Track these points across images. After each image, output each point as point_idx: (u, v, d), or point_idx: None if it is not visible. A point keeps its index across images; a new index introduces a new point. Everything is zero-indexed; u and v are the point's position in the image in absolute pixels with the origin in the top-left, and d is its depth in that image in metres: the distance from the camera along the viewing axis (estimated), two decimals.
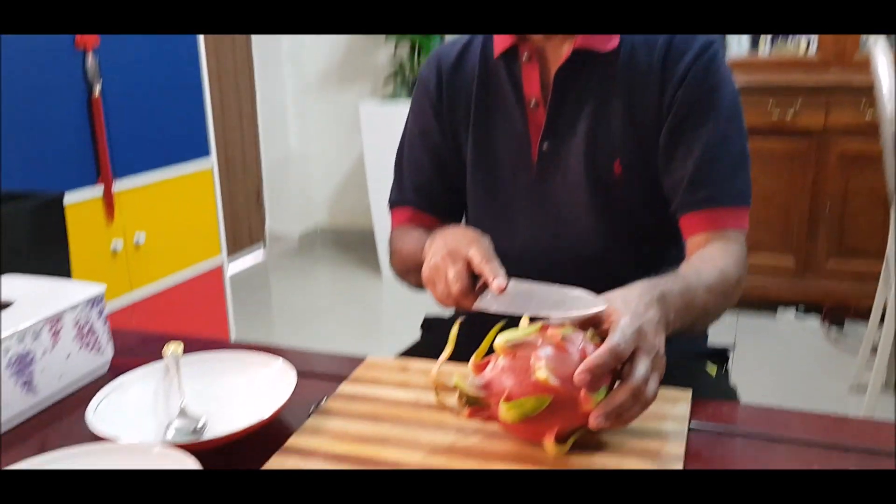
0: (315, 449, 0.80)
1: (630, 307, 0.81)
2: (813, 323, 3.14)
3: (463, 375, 0.79)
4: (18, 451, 0.88)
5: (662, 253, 1.18)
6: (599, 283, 1.13)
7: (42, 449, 0.89)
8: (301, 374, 0.93)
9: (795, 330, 3.18)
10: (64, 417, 0.95)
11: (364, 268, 4.15)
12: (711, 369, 1.18)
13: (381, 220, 3.84)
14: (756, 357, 2.86)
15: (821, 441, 0.82)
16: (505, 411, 0.76)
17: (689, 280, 0.95)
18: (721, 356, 1.23)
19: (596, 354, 0.75)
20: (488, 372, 0.80)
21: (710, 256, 1.03)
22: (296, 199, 4.52)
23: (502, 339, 0.80)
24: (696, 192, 1.07)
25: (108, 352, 1.03)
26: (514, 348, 0.79)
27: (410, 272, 1.17)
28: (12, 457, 0.87)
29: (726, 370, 1.23)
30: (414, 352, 1.29)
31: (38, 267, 1.91)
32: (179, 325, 2.60)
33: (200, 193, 2.64)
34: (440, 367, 0.80)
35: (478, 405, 0.79)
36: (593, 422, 0.75)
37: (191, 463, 0.71)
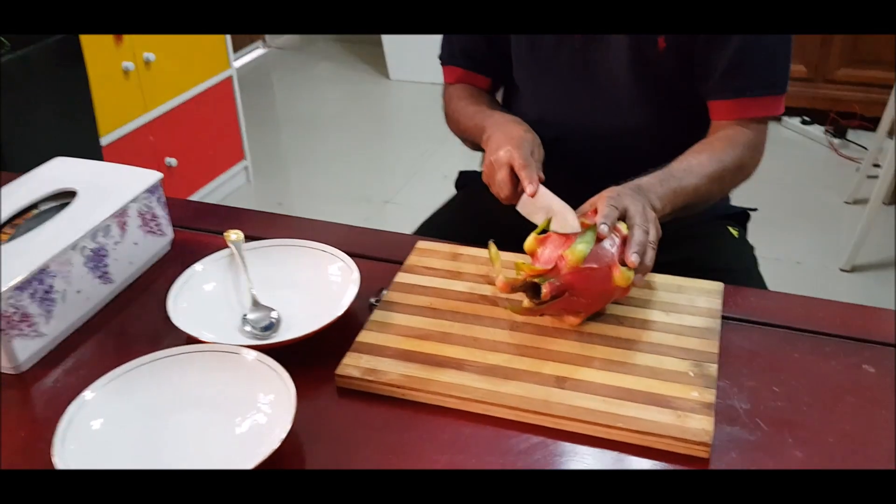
0: (384, 345, 0.87)
1: (609, 191, 0.93)
2: (817, 130, 3.17)
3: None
4: (101, 337, 0.95)
5: (699, 127, 1.21)
6: (635, 153, 1.17)
7: (122, 332, 0.97)
8: (352, 255, 0.99)
9: (799, 137, 3.21)
10: (136, 299, 1.01)
11: (369, 64, 4.08)
12: (734, 231, 1.25)
13: None
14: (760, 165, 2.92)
15: (839, 332, 0.91)
16: (576, 244, 0.86)
17: (674, 170, 1.02)
18: (742, 218, 1.29)
19: (601, 210, 0.88)
20: (543, 253, 0.90)
21: (708, 144, 1.09)
22: None
23: (530, 238, 0.91)
24: (730, 80, 1.09)
25: (170, 233, 1.08)
26: (545, 237, 0.90)
27: (466, 141, 1.24)
28: (96, 342, 0.95)
29: (746, 230, 1.30)
30: (450, 208, 1.35)
31: (63, 94, 1.96)
32: (195, 138, 2.62)
33: None
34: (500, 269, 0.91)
35: (551, 280, 0.87)
36: (630, 258, 0.86)
37: (281, 371, 0.79)
